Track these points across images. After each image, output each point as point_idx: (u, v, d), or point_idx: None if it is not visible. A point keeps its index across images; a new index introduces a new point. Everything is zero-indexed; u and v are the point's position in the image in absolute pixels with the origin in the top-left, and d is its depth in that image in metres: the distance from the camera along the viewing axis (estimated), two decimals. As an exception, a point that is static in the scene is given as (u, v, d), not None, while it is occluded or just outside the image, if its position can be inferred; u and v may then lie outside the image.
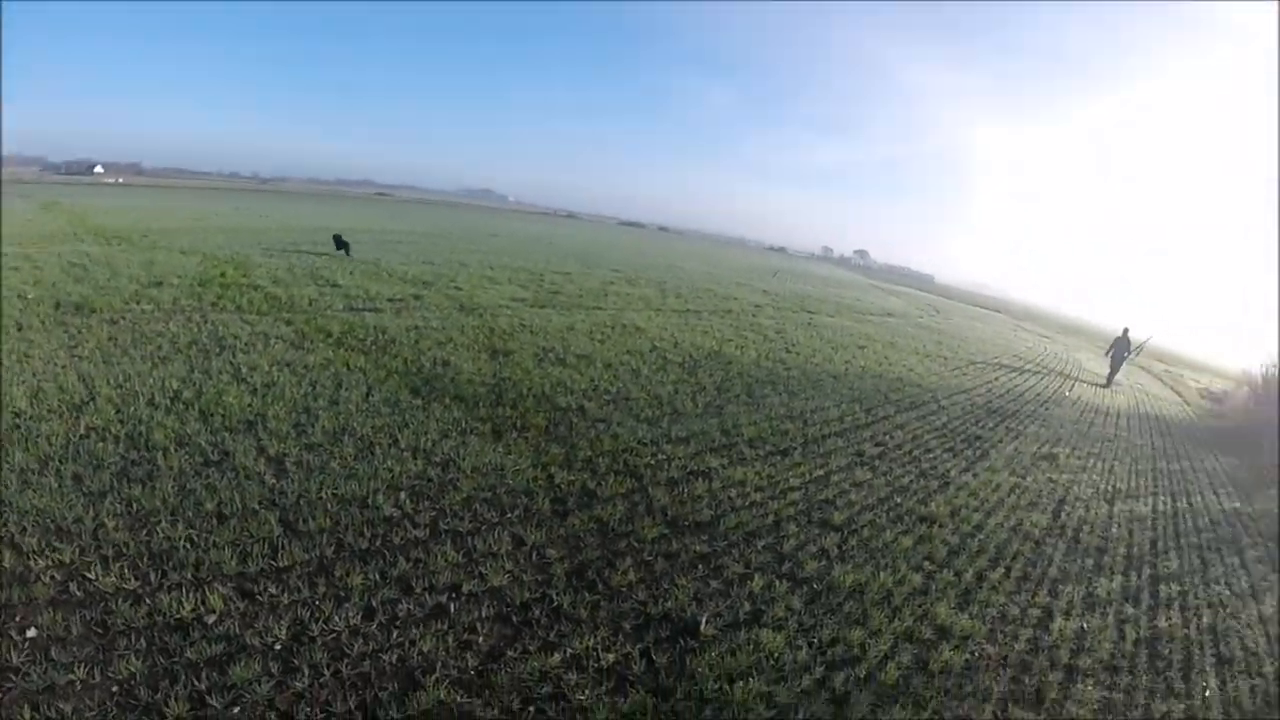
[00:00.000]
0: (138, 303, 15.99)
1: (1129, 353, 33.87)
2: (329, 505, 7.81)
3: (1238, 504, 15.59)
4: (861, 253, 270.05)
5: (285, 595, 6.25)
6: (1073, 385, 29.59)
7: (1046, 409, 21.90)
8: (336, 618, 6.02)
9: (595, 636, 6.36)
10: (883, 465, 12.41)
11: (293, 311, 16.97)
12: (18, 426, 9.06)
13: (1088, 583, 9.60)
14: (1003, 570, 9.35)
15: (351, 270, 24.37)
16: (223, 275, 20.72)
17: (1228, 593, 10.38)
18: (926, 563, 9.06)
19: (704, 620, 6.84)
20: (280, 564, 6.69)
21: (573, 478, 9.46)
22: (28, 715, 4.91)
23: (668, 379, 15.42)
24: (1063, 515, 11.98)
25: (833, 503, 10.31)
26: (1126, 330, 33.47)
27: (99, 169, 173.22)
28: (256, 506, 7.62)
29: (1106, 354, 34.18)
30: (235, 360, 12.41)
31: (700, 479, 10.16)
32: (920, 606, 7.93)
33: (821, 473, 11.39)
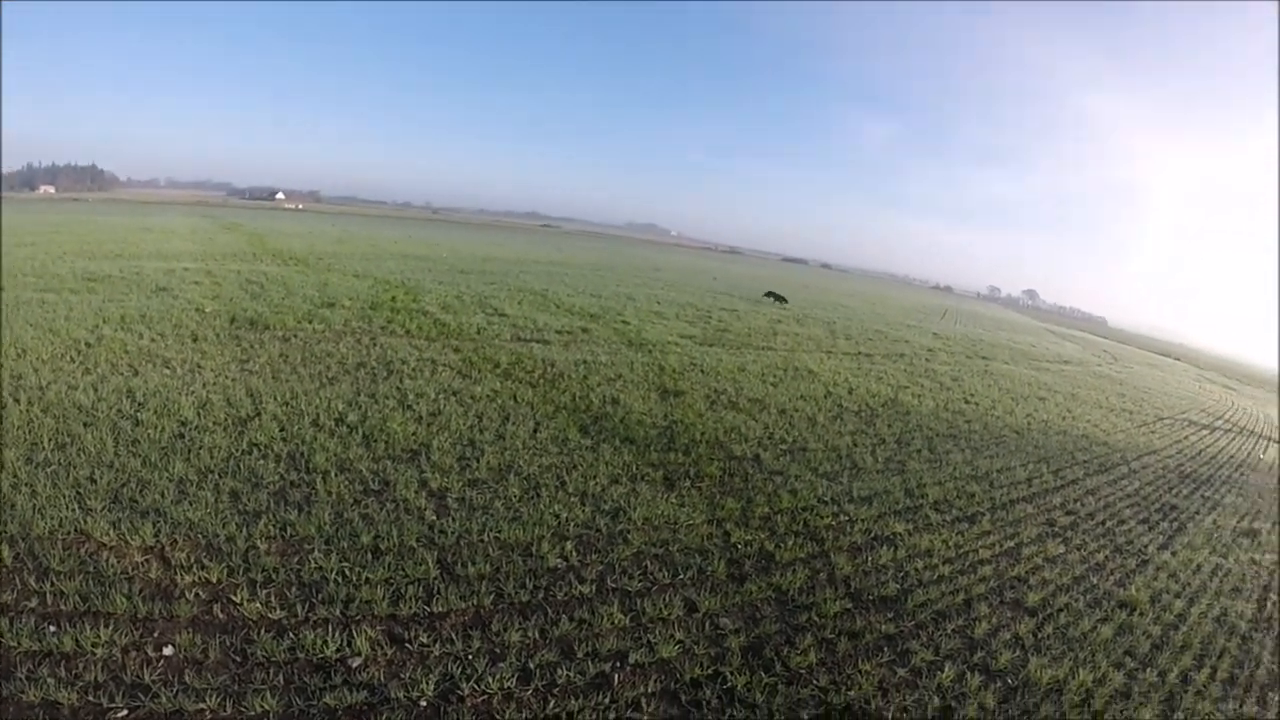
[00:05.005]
0: (310, 322, 16.24)
1: None
2: (490, 550, 7.35)
3: None
4: (1030, 293, 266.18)
5: (437, 646, 5.76)
6: (1267, 447, 27.12)
7: (1242, 474, 19.87)
8: (490, 677, 5.47)
9: (771, 728, 5.60)
10: (1076, 538, 11.28)
11: (461, 339, 16.95)
12: (182, 436, 9.02)
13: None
14: (1208, 671, 8.14)
15: (519, 301, 24.37)
16: (393, 299, 21.08)
17: None
18: (1128, 658, 7.98)
19: (889, 717, 6.02)
20: (434, 610, 6.22)
21: (750, 537, 8.74)
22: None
23: (845, 429, 14.60)
24: (1269, 604, 10.58)
25: (1026, 581, 9.30)
26: None
27: (280, 195, 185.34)
28: (414, 544, 7.21)
29: None
30: (402, 386, 12.29)
31: (885, 546, 9.31)
32: (1124, 713, 6.92)
33: (1012, 544, 10.40)
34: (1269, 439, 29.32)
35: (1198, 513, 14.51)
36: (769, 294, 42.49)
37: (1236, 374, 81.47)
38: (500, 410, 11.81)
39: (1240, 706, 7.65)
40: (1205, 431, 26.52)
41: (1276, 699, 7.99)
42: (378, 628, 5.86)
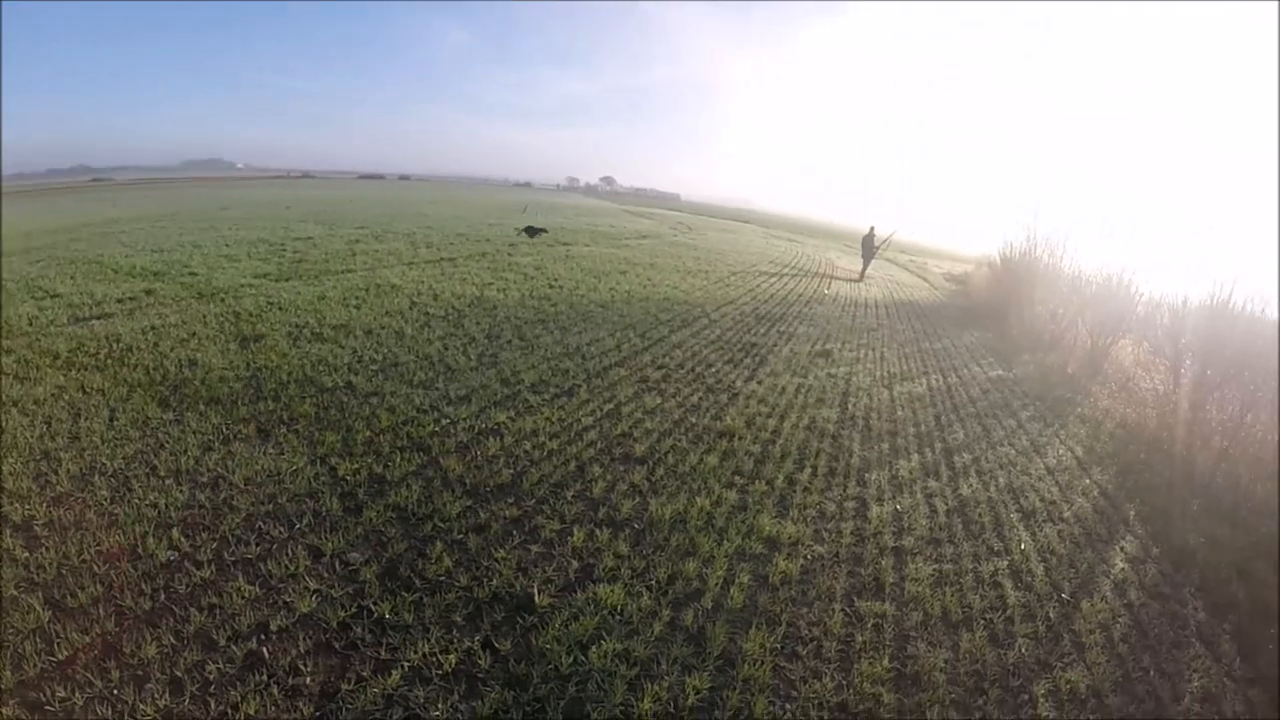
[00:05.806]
0: None
1: (877, 247, 36.79)
2: (96, 566, 6.82)
3: (1000, 371, 17.13)
4: (607, 179, 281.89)
5: (77, 694, 5.35)
6: (830, 283, 31.43)
7: (811, 309, 23.24)
8: (143, 704, 5.23)
9: (429, 640, 5.94)
10: (670, 387, 12.64)
11: (11, 337, 14.78)
12: None
13: (889, 466, 10.10)
14: (809, 470, 9.71)
15: (73, 275, 21.86)
16: (-83, 315, 18.20)
17: (1013, 452, 11.29)
18: (737, 477, 9.27)
19: (535, 591, 6.57)
20: (60, 656, 5.73)
21: (356, 465, 8.81)
22: None
23: (434, 335, 14.94)
24: (850, 406, 12.59)
25: (630, 435, 10.36)
26: (873, 228, 36.67)
27: None
28: (15, 592, 6.49)
29: (873, 252, 37.13)
30: (-49, 415, 10.78)
31: (491, 438, 9.86)
32: (744, 523, 8.07)
33: (611, 406, 11.45)
34: (828, 275, 33.96)
35: (775, 345, 16.82)
36: (528, 229, 39.53)
37: (798, 229, 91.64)
38: (69, 407, 10.60)
39: (843, 491, 9.05)
40: (774, 278, 30.58)
41: (873, 478, 9.56)
42: (10, 702, 5.32)
